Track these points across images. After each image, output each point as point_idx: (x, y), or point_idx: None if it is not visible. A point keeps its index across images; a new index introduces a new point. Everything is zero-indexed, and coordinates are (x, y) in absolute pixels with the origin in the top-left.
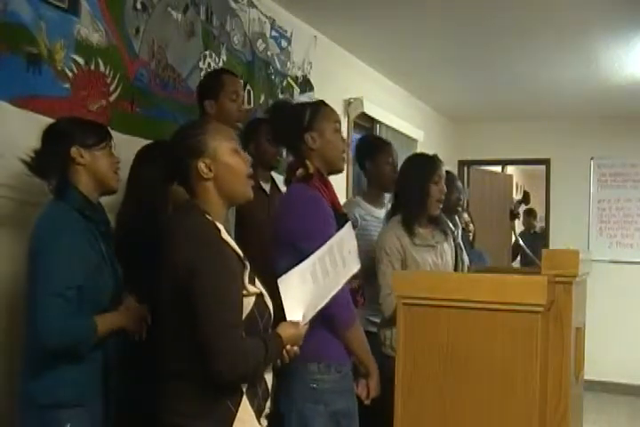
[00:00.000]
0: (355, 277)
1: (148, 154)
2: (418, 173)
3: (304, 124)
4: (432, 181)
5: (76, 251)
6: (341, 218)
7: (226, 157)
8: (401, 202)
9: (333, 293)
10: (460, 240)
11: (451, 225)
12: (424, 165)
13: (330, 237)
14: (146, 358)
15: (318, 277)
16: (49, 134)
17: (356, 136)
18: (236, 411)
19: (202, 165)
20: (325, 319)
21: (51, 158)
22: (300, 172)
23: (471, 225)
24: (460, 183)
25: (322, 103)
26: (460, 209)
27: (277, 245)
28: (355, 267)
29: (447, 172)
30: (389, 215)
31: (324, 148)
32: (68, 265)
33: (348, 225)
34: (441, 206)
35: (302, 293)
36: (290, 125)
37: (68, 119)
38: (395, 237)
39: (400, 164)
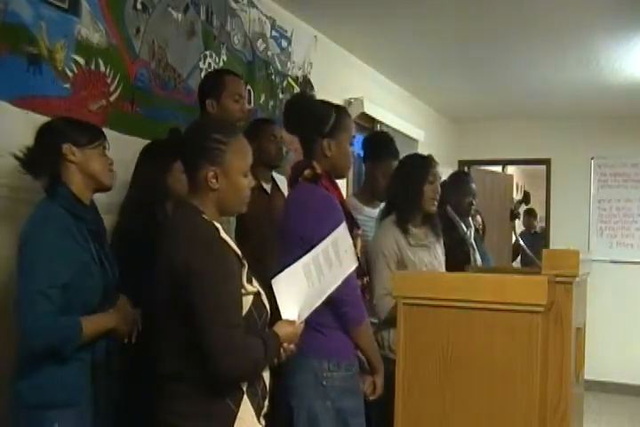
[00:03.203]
0: (363, 274)
1: (151, 152)
2: (413, 174)
3: (325, 131)
4: (427, 180)
5: (61, 250)
6: (350, 218)
7: (236, 176)
8: (395, 202)
9: (330, 291)
10: (472, 240)
11: (463, 226)
12: (418, 165)
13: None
14: (143, 358)
15: (313, 277)
16: (42, 132)
17: (358, 136)
18: (237, 410)
19: (211, 174)
20: (338, 317)
21: (42, 155)
22: (307, 172)
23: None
24: (474, 186)
25: (345, 112)
26: (472, 211)
27: (286, 243)
28: (352, 265)
29: (464, 173)
30: (382, 215)
31: (336, 157)
32: (50, 264)
33: (343, 225)
34: (436, 204)
35: (297, 292)
36: (310, 127)
37: (63, 118)
38: (392, 239)
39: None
